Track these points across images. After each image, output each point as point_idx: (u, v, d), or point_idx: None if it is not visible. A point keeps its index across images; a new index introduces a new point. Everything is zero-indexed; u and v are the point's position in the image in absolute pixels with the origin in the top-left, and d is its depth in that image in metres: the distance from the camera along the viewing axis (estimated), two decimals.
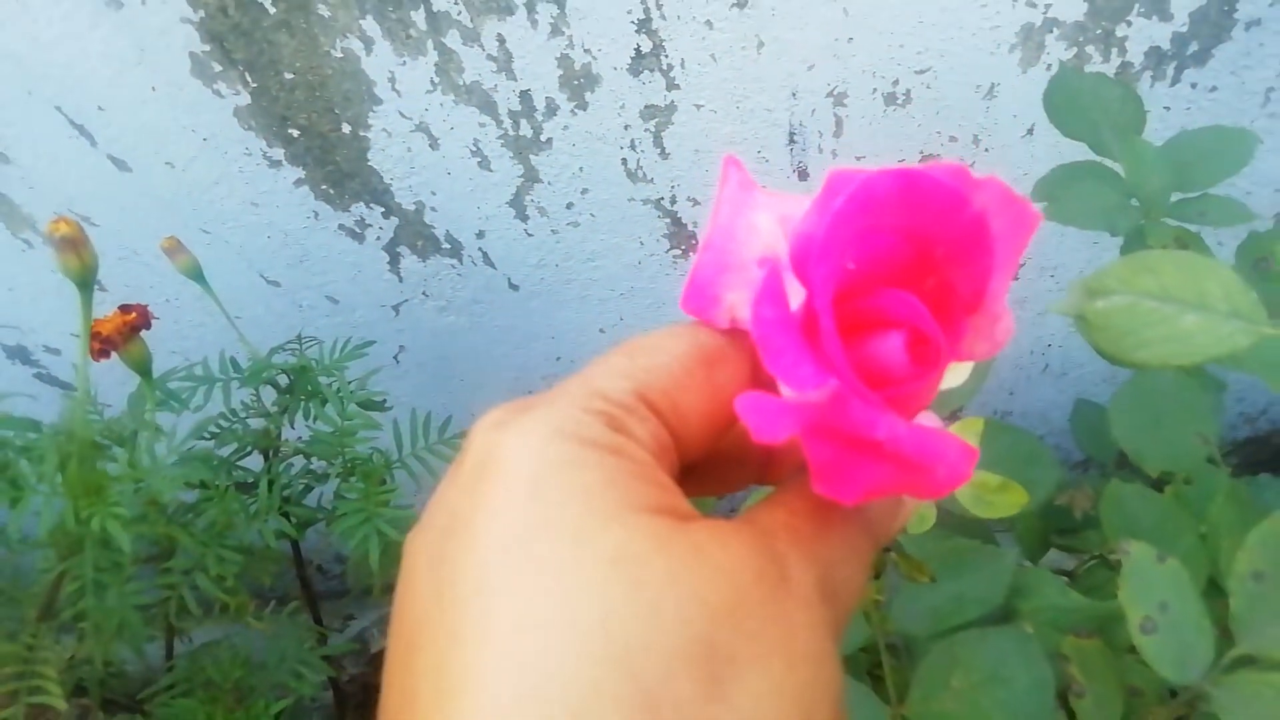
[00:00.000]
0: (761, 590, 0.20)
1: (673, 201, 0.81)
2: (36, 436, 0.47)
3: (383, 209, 0.81)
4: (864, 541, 0.23)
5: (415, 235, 0.84)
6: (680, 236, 0.84)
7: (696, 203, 0.81)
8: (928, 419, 0.25)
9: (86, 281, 0.49)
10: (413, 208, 0.81)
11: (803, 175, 0.78)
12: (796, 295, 0.22)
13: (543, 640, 0.18)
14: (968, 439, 0.32)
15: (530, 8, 0.66)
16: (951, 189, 0.21)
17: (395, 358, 0.96)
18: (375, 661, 0.93)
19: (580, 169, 0.77)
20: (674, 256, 0.87)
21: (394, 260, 0.86)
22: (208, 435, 0.67)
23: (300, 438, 0.68)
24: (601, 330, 0.94)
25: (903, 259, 0.22)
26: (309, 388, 0.68)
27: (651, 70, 0.70)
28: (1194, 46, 0.70)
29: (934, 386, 0.23)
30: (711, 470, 0.26)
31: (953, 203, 0.21)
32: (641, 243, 0.85)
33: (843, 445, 0.20)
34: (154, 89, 0.70)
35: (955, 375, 0.25)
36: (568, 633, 0.18)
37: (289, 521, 0.63)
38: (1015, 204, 0.22)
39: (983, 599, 0.46)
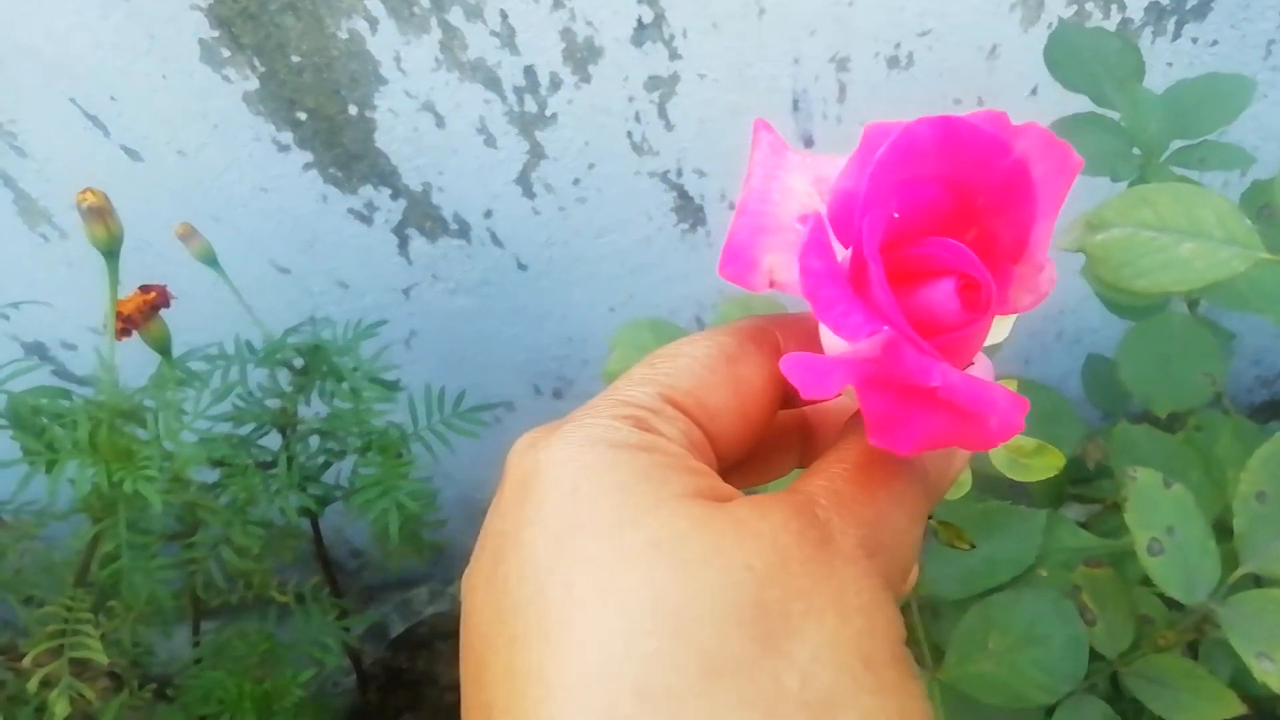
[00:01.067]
0: (805, 550, 0.20)
1: (679, 174, 0.82)
2: (68, 404, 0.48)
3: (390, 190, 0.82)
4: (914, 495, 0.23)
5: (423, 217, 0.85)
6: (687, 210, 0.85)
7: (703, 174, 0.82)
8: (980, 369, 0.25)
9: (113, 250, 0.51)
10: (420, 189, 0.81)
11: (808, 143, 0.78)
12: (840, 253, 0.22)
13: (598, 628, 0.18)
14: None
15: None
16: (992, 135, 0.21)
17: (407, 342, 0.97)
18: (395, 646, 0.94)
19: (586, 143, 0.78)
20: (682, 230, 0.87)
21: (403, 243, 0.87)
22: (227, 415, 0.69)
23: (318, 414, 0.69)
24: (611, 309, 0.95)
25: (945, 208, 0.22)
26: (324, 367, 0.69)
27: (654, 40, 0.70)
28: (1193, 0, 0.70)
29: (983, 335, 0.23)
30: (754, 460, 0.27)
31: (993, 149, 0.21)
32: (650, 217, 0.86)
33: (897, 395, 0.20)
34: (164, 77, 0.71)
35: (999, 330, 0.25)
36: (620, 618, 0.19)
37: (308, 496, 0.64)
38: (1056, 149, 0.22)
39: (1015, 560, 0.46)
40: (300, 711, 0.64)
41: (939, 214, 0.22)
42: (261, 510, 0.64)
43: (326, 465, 0.68)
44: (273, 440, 0.70)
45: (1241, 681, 0.43)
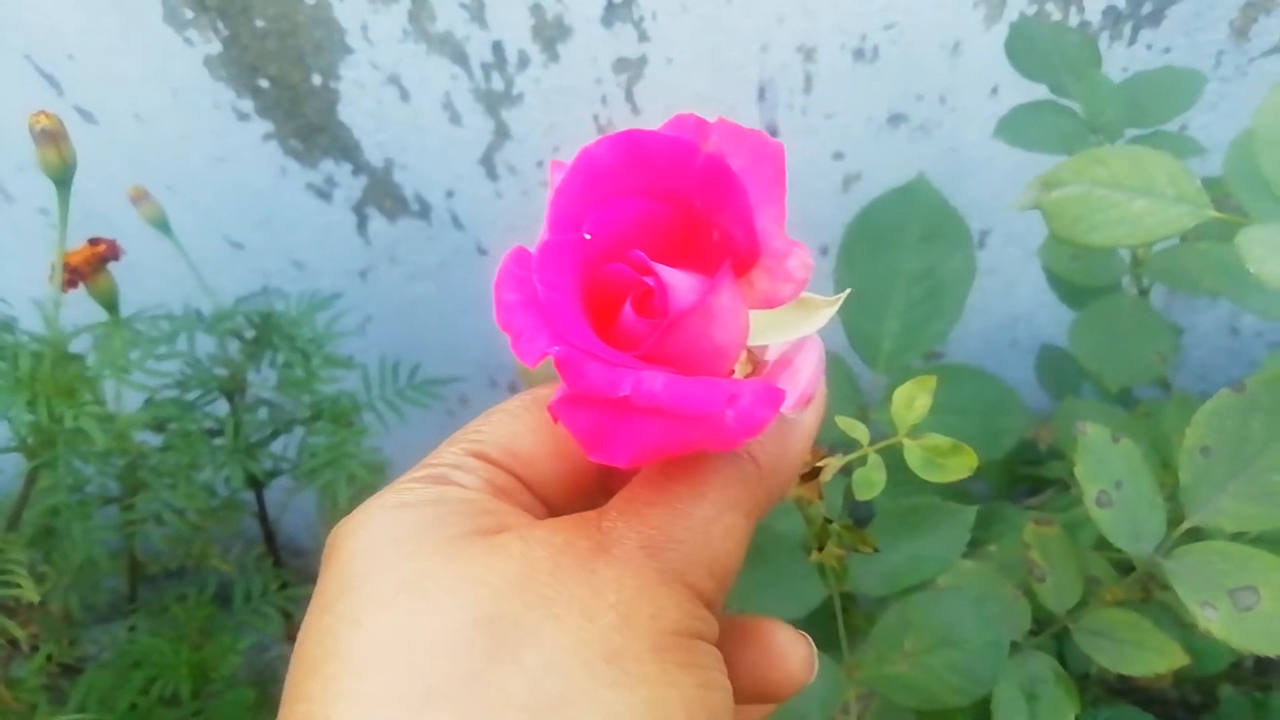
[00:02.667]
0: (562, 560, 0.21)
1: None
2: (10, 339, 0.46)
3: (352, 166, 0.81)
4: (726, 484, 0.24)
5: (384, 195, 0.84)
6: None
7: None
8: (807, 356, 0.25)
9: (65, 179, 0.49)
10: (382, 165, 0.81)
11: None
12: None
13: (344, 680, 0.20)
14: (920, 397, 0.32)
15: None
16: (674, 139, 0.21)
17: (361, 329, 0.96)
18: None
19: (552, 125, 0.78)
20: None
21: (362, 222, 0.86)
22: (173, 382, 0.67)
23: (268, 382, 0.67)
24: None
25: (662, 218, 0.23)
26: (275, 337, 0.67)
27: (623, 21, 0.71)
28: (1148, 6, 0.72)
29: (710, 333, 0.22)
30: (612, 487, 0.27)
31: (680, 152, 0.22)
32: None
33: (597, 409, 0.20)
34: (125, 36, 0.70)
35: (809, 321, 0.24)
36: (360, 664, 0.20)
37: (254, 464, 0.63)
38: (749, 138, 0.23)
39: (941, 558, 0.45)
40: (238, 701, 0.62)
41: (659, 225, 0.23)
42: (206, 477, 0.63)
43: (275, 435, 0.66)
44: (220, 410, 0.68)
45: (1184, 645, 0.44)
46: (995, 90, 0.76)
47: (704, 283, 0.22)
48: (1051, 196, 0.38)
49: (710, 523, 0.23)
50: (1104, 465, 0.37)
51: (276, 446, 0.68)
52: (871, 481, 0.33)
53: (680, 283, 0.22)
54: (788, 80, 0.75)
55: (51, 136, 0.48)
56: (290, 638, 0.78)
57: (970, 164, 0.81)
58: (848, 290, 0.26)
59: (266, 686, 0.70)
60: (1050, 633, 0.42)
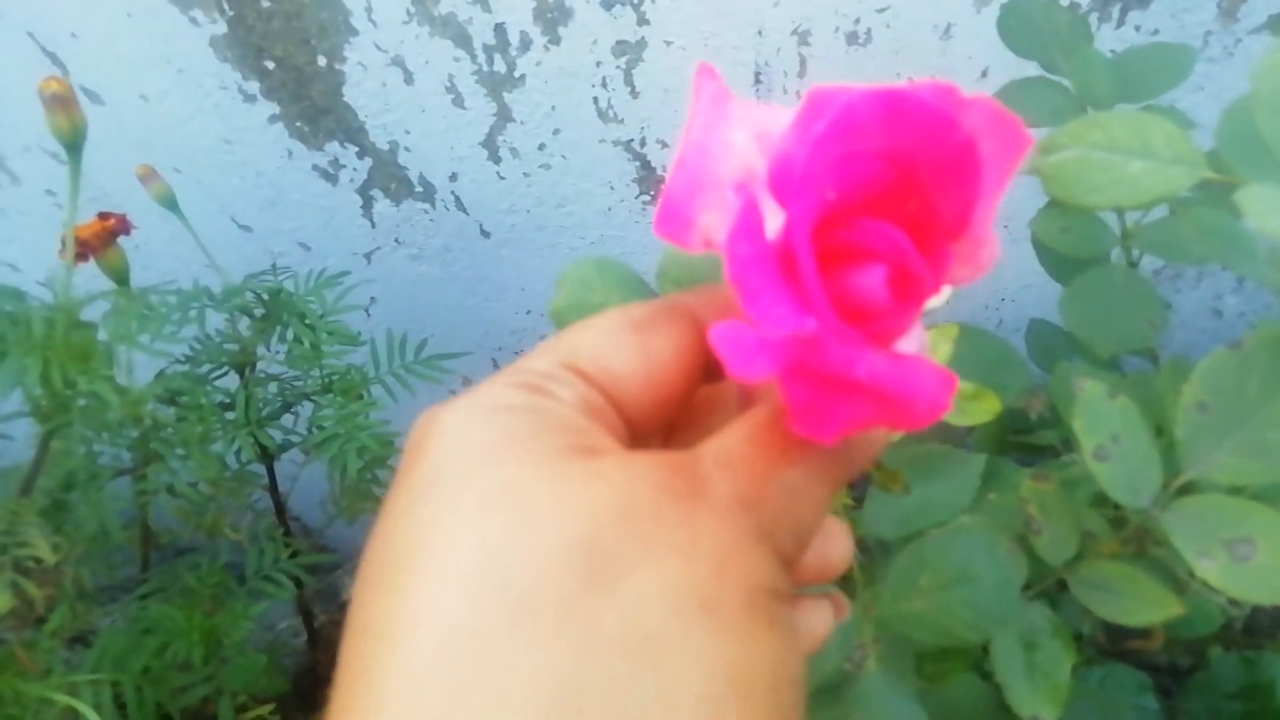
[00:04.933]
0: (661, 498, 0.21)
1: (642, 144, 0.83)
2: (22, 305, 0.47)
3: (357, 149, 0.82)
4: (822, 460, 0.24)
5: (389, 177, 0.85)
6: (649, 181, 0.86)
7: (665, 145, 0.83)
8: (912, 341, 0.24)
9: (75, 144, 0.50)
10: (387, 147, 0.82)
11: None
12: (774, 218, 0.21)
13: (428, 577, 0.20)
14: (942, 345, 0.33)
15: None
16: (938, 111, 0.21)
17: (366, 310, 0.97)
18: (346, 609, 0.93)
19: (553, 107, 0.79)
20: (643, 203, 0.89)
21: (367, 204, 0.87)
22: (183, 359, 0.68)
23: (277, 357, 0.68)
24: None
25: (885, 183, 0.21)
26: (284, 314, 0.68)
27: (623, 4, 0.72)
28: None
29: (915, 318, 0.22)
30: (694, 429, 0.27)
31: (940, 125, 0.21)
32: (612, 187, 0.87)
33: (820, 384, 0.20)
34: (129, 15, 0.71)
35: (936, 297, 0.24)
36: (447, 565, 0.20)
37: (265, 435, 0.64)
38: (1008, 125, 0.22)
39: (951, 504, 0.47)
40: (249, 666, 0.63)
41: (879, 187, 0.22)
42: (218, 450, 0.64)
43: (285, 408, 0.67)
44: (231, 384, 0.69)
45: None
46: (985, 72, 0.78)
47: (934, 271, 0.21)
48: (1050, 160, 0.39)
49: (800, 489, 0.23)
50: (1101, 420, 0.39)
51: (286, 420, 0.69)
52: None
53: (925, 270, 0.21)
54: (783, 63, 0.76)
55: (61, 101, 0.49)
56: (300, 606, 0.79)
57: None
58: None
59: (277, 656, 0.71)
60: (1045, 587, 0.44)
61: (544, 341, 0.25)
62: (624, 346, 0.24)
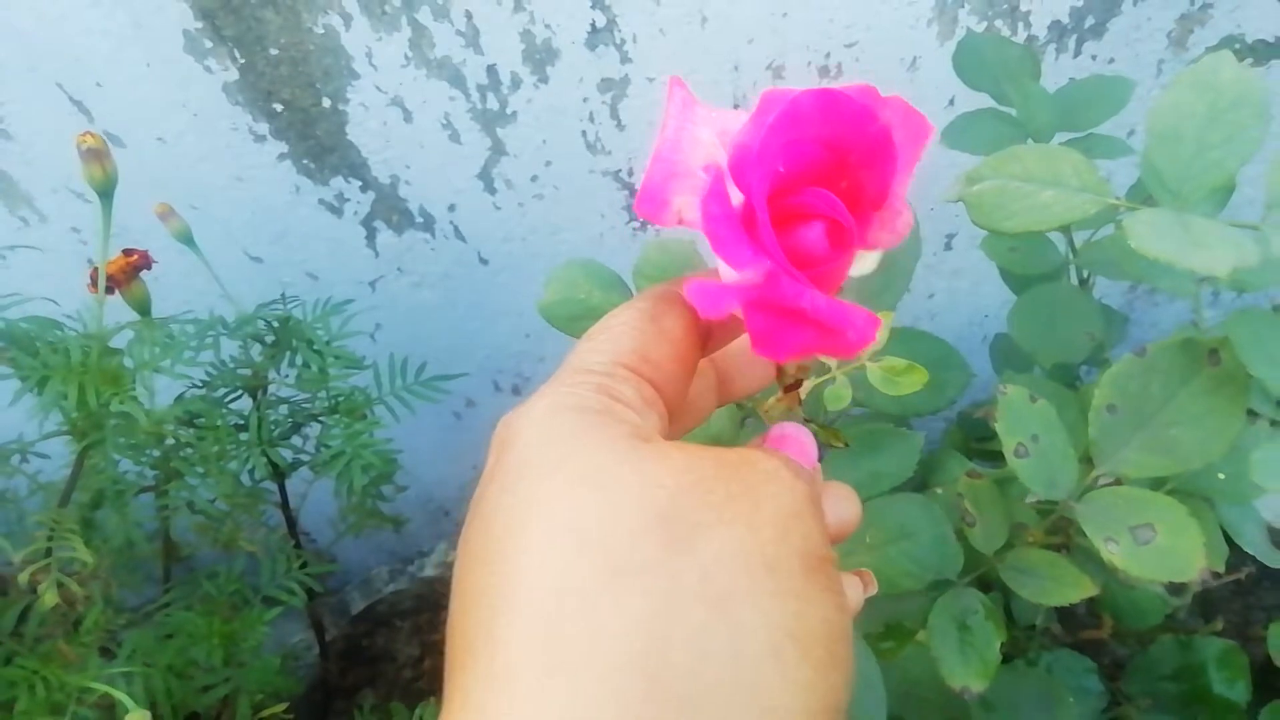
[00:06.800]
0: (723, 471, 0.25)
1: (630, 174, 0.88)
2: (60, 334, 0.52)
3: (360, 183, 0.87)
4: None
5: (390, 209, 0.90)
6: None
7: None
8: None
9: (108, 191, 0.55)
10: (388, 181, 0.87)
11: None
12: (735, 197, 0.27)
13: (530, 551, 0.23)
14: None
15: None
16: (863, 105, 0.26)
17: (372, 335, 1.02)
18: (356, 621, 0.98)
19: (544, 141, 0.84)
20: (633, 229, 0.93)
21: (370, 235, 0.92)
22: (201, 383, 0.73)
23: (287, 380, 0.73)
24: None
25: (823, 163, 0.27)
26: (294, 340, 0.73)
27: (606, 44, 0.77)
28: (1090, 20, 0.78)
29: (847, 267, 0.28)
30: (682, 406, 0.31)
31: (863, 117, 0.26)
32: (602, 215, 0.92)
33: (775, 315, 0.26)
34: (149, 65, 0.76)
35: (865, 263, 0.30)
36: (547, 538, 0.23)
37: (276, 453, 0.69)
38: (914, 118, 0.27)
39: (895, 474, 0.52)
40: (264, 668, 0.67)
41: (818, 168, 0.27)
42: (233, 468, 0.68)
43: (295, 429, 0.72)
44: (245, 407, 0.74)
45: (1118, 598, 0.49)
46: (952, 101, 0.82)
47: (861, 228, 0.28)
48: (973, 190, 0.44)
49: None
50: (1022, 421, 0.43)
51: (296, 440, 0.74)
52: (840, 395, 0.39)
53: (854, 225, 0.27)
54: (758, 96, 0.81)
55: (96, 154, 0.54)
56: (313, 621, 0.83)
57: (934, 170, 0.86)
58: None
59: (291, 667, 0.75)
60: (980, 573, 0.48)
61: (581, 346, 0.29)
62: (651, 336, 0.28)
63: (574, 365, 0.28)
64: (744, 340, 0.33)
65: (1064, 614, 0.62)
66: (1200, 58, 0.45)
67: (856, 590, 0.33)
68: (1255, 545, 0.49)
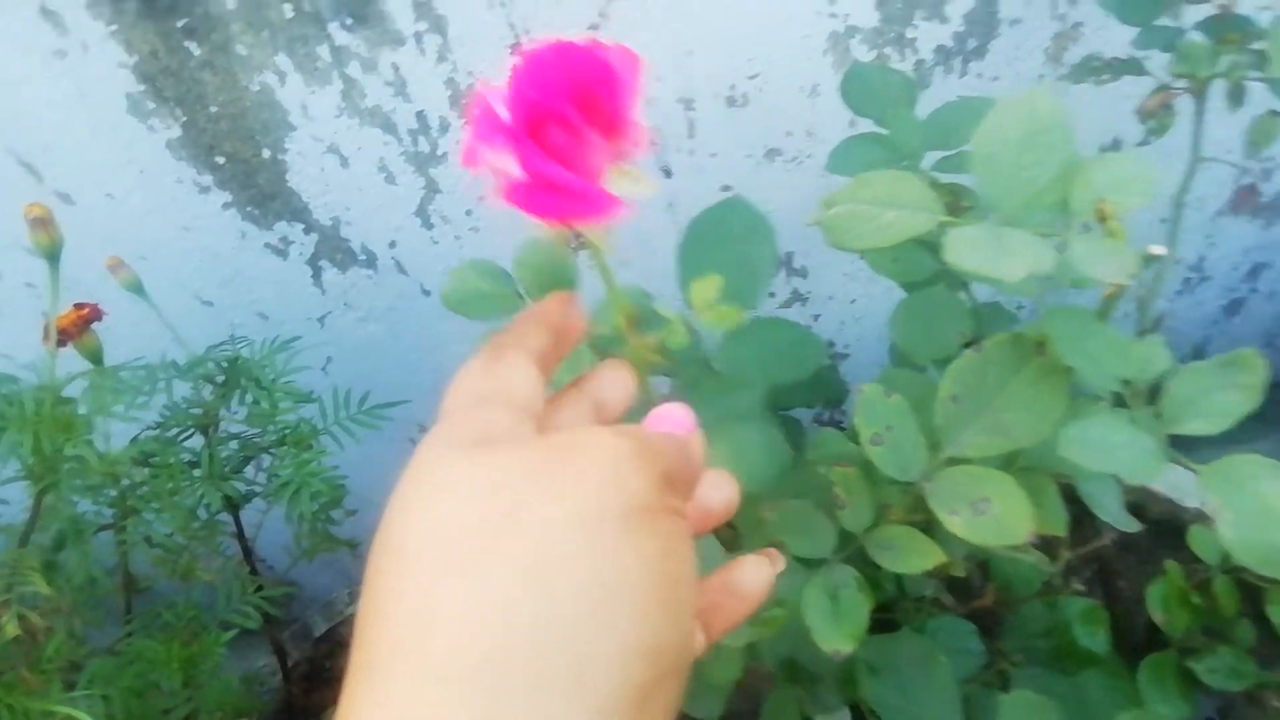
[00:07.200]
0: (552, 453, 0.29)
1: None
2: (15, 387, 0.57)
3: (303, 226, 0.92)
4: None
5: (334, 249, 0.95)
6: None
7: None
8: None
9: (54, 254, 0.60)
10: (330, 223, 0.92)
11: (667, 173, 0.91)
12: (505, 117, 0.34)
13: (389, 558, 0.28)
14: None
15: (418, 38, 0.78)
16: (590, 50, 0.34)
17: (324, 369, 1.06)
18: (318, 643, 1.01)
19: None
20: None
21: (316, 274, 0.97)
22: (154, 425, 0.77)
23: (237, 416, 0.78)
24: None
25: (566, 91, 0.34)
26: (242, 379, 0.78)
27: None
28: (972, 43, 0.84)
29: (596, 159, 0.35)
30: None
31: (592, 58, 0.34)
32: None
33: (535, 187, 0.33)
34: (93, 129, 0.81)
35: (643, 186, 0.36)
36: (401, 546, 0.28)
37: (230, 486, 0.73)
38: (630, 56, 0.35)
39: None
40: (222, 687, 0.71)
41: (564, 95, 0.34)
42: (189, 503, 0.73)
43: (246, 461, 0.76)
44: (197, 444, 0.78)
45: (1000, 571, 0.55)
46: (853, 123, 0.88)
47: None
48: (829, 214, 0.49)
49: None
50: (877, 414, 0.48)
51: (249, 472, 0.78)
52: (676, 333, 0.45)
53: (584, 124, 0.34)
54: (673, 128, 0.87)
55: (42, 222, 0.59)
56: (274, 645, 0.87)
57: (840, 187, 0.93)
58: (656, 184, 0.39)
59: (255, 691, 0.79)
60: (851, 550, 0.53)
61: (485, 386, 0.35)
62: (535, 374, 0.35)
63: (479, 414, 0.33)
64: (608, 366, 0.39)
65: (957, 586, 0.67)
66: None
67: (762, 570, 0.37)
68: (1112, 514, 0.55)
